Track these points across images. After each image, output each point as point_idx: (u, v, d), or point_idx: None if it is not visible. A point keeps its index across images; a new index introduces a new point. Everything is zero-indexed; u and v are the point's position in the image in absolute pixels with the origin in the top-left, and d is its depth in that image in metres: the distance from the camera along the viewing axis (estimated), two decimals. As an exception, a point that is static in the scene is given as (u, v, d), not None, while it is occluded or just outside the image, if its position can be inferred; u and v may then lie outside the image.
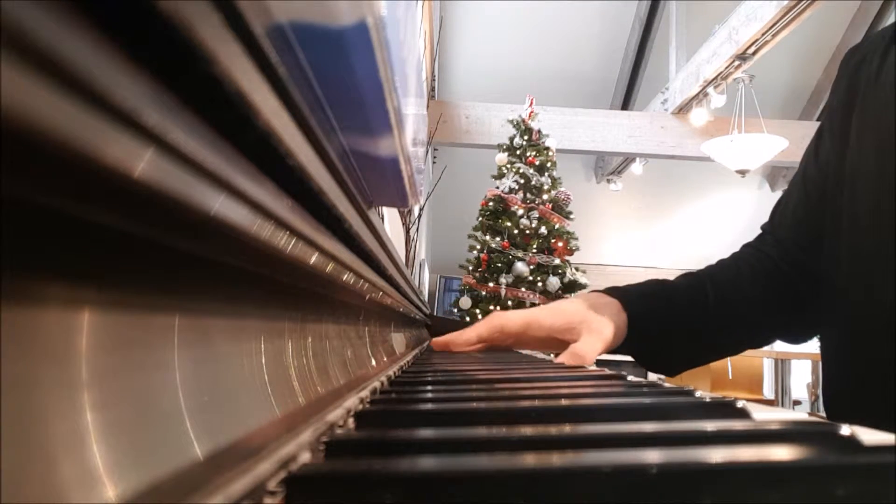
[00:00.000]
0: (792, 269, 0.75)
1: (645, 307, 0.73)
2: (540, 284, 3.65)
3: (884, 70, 0.61)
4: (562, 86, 5.60)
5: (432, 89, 4.79)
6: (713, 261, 0.84)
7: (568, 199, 3.89)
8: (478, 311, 3.62)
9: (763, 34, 3.67)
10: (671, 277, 0.81)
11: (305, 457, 0.21)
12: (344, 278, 0.33)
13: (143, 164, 0.11)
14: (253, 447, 0.20)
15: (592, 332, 0.70)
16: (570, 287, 3.72)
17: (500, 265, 3.66)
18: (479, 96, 5.13)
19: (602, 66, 5.79)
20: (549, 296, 3.62)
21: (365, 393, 0.37)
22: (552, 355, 0.80)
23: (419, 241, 3.15)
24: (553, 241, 3.74)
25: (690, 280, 0.78)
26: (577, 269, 3.77)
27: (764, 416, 0.27)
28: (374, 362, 0.52)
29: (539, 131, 3.92)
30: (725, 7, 4.03)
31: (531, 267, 3.66)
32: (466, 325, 0.84)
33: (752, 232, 0.84)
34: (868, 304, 0.58)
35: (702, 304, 0.75)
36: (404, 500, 0.17)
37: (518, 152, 3.88)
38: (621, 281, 0.85)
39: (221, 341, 0.21)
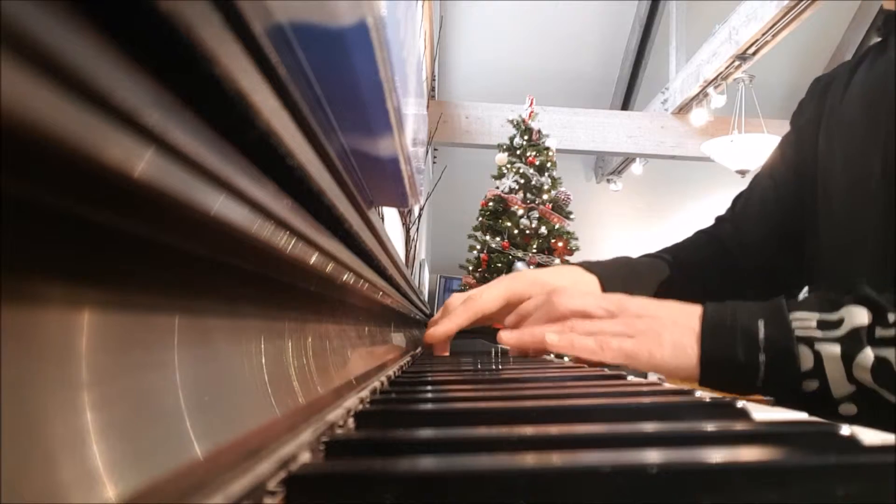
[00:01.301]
0: (746, 258, 0.80)
1: (621, 287, 0.76)
2: (540, 284, 3.64)
3: (847, 95, 0.70)
4: (562, 86, 5.59)
5: (432, 89, 4.78)
6: None
7: (568, 199, 3.89)
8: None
9: (763, 34, 3.67)
10: None
11: (305, 457, 0.21)
12: (344, 278, 0.33)
13: (143, 164, 0.12)
14: (253, 447, 0.20)
15: None
16: (570, 287, 3.72)
17: (500, 265, 3.66)
18: (479, 96, 5.12)
19: (602, 66, 5.78)
20: (548, 296, 3.61)
21: (365, 393, 0.37)
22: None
23: (419, 241, 3.15)
24: (553, 241, 3.74)
25: (654, 261, 0.83)
26: (577, 269, 3.76)
27: (764, 416, 0.27)
28: (374, 362, 0.52)
29: (539, 131, 3.92)
30: (725, 7, 4.02)
31: (531, 267, 3.66)
32: None
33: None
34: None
35: (667, 283, 0.80)
36: (404, 500, 0.17)
37: (518, 152, 3.88)
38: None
39: (221, 341, 0.21)
